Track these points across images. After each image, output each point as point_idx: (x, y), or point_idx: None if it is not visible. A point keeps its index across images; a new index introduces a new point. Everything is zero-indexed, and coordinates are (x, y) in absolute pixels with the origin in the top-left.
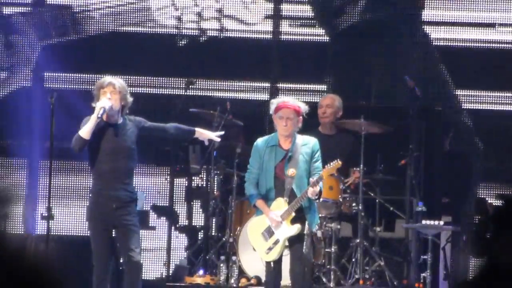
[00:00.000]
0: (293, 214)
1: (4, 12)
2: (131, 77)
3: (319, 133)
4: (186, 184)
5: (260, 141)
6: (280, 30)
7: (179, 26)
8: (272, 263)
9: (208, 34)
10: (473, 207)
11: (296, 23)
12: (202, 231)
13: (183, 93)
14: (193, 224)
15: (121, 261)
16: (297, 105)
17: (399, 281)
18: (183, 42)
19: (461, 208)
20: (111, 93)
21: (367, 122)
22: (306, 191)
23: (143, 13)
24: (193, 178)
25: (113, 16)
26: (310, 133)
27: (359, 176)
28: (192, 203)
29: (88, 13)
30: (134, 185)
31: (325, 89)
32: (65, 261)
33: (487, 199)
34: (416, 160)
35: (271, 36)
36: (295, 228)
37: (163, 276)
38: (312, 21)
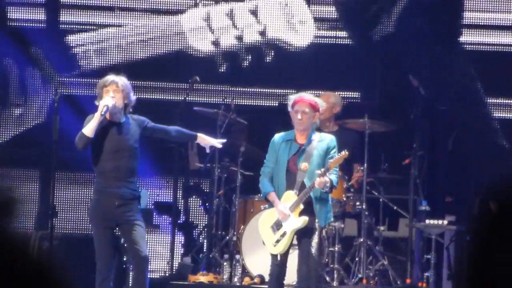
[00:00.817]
0: (302, 206)
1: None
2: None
3: (320, 131)
4: (183, 181)
5: (277, 136)
6: (314, 33)
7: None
8: (278, 256)
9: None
10: (476, 207)
11: (326, 26)
12: (205, 229)
13: (188, 92)
14: (190, 221)
15: (124, 259)
16: (313, 100)
17: (403, 280)
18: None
19: (464, 208)
20: (114, 91)
21: (371, 121)
22: (313, 183)
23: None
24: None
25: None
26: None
27: (363, 174)
28: (189, 200)
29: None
30: (137, 183)
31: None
32: (68, 259)
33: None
34: (420, 159)
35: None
36: (301, 221)
37: (167, 275)
38: (339, 24)
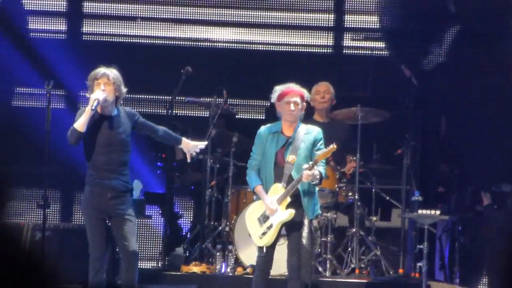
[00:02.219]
0: (289, 199)
1: None
2: None
3: (314, 121)
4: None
5: (263, 128)
6: (342, 43)
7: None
8: (264, 248)
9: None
10: (469, 197)
11: (359, 36)
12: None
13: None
14: (175, 211)
15: (117, 249)
16: (302, 91)
17: (395, 270)
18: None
19: (457, 198)
20: (105, 84)
21: (364, 109)
22: (301, 176)
23: None
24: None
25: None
26: (304, 122)
27: (355, 165)
28: (173, 190)
29: None
30: (129, 176)
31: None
32: (61, 250)
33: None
34: (413, 150)
35: (331, 50)
36: (288, 213)
37: (159, 265)
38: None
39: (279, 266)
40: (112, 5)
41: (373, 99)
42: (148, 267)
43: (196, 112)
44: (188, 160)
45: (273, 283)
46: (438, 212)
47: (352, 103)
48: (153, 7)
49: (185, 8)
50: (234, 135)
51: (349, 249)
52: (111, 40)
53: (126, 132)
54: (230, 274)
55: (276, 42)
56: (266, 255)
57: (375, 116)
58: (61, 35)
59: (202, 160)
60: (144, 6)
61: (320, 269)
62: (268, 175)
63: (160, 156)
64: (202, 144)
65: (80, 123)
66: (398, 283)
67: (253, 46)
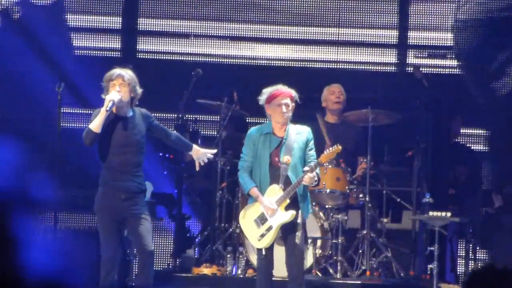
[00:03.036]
0: (288, 201)
1: None
2: None
3: (326, 122)
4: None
5: (253, 129)
6: (407, 61)
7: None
8: (263, 250)
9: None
10: (479, 199)
11: (424, 54)
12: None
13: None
14: (182, 212)
15: (128, 251)
16: (292, 92)
17: (406, 272)
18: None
19: (468, 200)
20: (120, 85)
21: (374, 111)
22: (302, 177)
23: None
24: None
25: None
26: (316, 122)
27: (366, 166)
28: (181, 191)
29: None
30: (143, 177)
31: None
32: (73, 251)
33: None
34: (423, 151)
35: (395, 68)
36: (289, 215)
37: (170, 267)
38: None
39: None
40: (166, 22)
41: (383, 100)
42: (159, 268)
43: (206, 116)
44: (197, 168)
45: (277, 285)
46: (449, 214)
47: (363, 104)
48: (207, 23)
49: (239, 25)
50: (245, 136)
51: (360, 251)
52: (165, 58)
53: (141, 133)
54: (241, 276)
55: (333, 59)
56: (266, 257)
57: (386, 118)
58: (115, 53)
59: (211, 166)
60: (198, 23)
61: (331, 271)
62: (263, 177)
63: (168, 156)
64: (211, 152)
65: (96, 124)
66: (409, 285)
67: (310, 64)
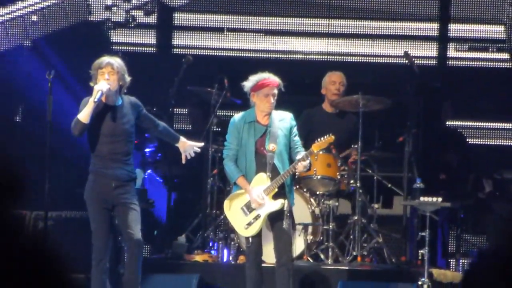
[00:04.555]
0: (276, 189)
1: None
2: None
3: (323, 110)
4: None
5: (236, 117)
6: (447, 54)
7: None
8: (250, 238)
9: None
10: (470, 184)
11: (464, 47)
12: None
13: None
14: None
15: (120, 239)
16: (279, 81)
17: (397, 258)
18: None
19: (459, 185)
20: (109, 73)
21: (365, 96)
22: (293, 166)
23: None
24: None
25: None
26: (313, 110)
27: (357, 153)
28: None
29: None
30: (133, 165)
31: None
32: (64, 239)
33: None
34: (414, 137)
35: (435, 62)
36: (278, 204)
37: (162, 254)
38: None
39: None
40: (200, 16)
41: (374, 86)
42: (151, 256)
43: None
44: (183, 161)
45: (267, 271)
46: (440, 199)
47: (353, 90)
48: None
49: (274, 18)
50: None
51: (351, 236)
52: (200, 53)
53: (130, 123)
54: (232, 263)
55: (370, 53)
56: (253, 245)
57: (377, 103)
58: (150, 49)
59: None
60: (232, 17)
61: (322, 256)
62: (248, 165)
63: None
64: (198, 146)
65: (84, 114)
66: (400, 271)
67: (347, 57)
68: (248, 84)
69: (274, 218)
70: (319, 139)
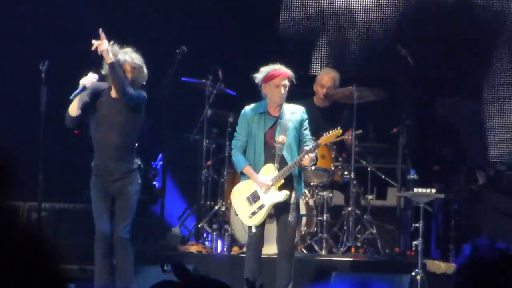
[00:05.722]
0: (282, 181)
1: None
2: None
3: (314, 104)
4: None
5: (248, 108)
6: None
7: None
8: (254, 228)
9: None
10: (463, 176)
11: None
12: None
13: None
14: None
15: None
16: (290, 72)
17: (391, 249)
18: None
19: (452, 177)
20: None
21: (359, 88)
22: (300, 158)
23: None
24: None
25: None
26: (303, 102)
27: (351, 137)
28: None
29: None
30: (132, 157)
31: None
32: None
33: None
34: (408, 128)
35: None
36: (283, 194)
37: (156, 245)
38: None
39: (274, 245)
40: None
41: (368, 78)
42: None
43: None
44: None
45: (266, 261)
46: (433, 190)
47: (348, 82)
48: None
49: None
50: (230, 115)
51: (345, 227)
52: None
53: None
54: (226, 254)
55: None
56: (256, 234)
57: (371, 95)
58: None
59: (196, 145)
60: None
61: (316, 247)
62: (257, 156)
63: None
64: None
65: (72, 108)
66: (394, 262)
67: None
68: (259, 75)
69: (280, 210)
70: (326, 133)
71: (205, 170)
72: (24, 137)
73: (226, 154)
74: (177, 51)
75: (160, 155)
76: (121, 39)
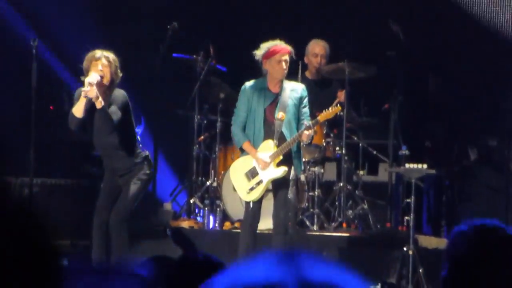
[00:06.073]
0: (281, 157)
1: None
2: None
3: (306, 78)
4: None
5: (248, 84)
6: None
7: None
8: (251, 203)
9: None
10: (455, 151)
11: None
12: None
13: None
14: None
15: None
16: (290, 48)
17: (382, 224)
18: None
19: (444, 153)
20: (102, 65)
21: (351, 64)
22: (299, 134)
23: None
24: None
25: None
26: (295, 77)
27: (343, 96)
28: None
29: None
30: (137, 150)
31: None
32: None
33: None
34: (400, 104)
35: None
36: (281, 171)
37: (149, 221)
38: None
39: (268, 221)
40: None
41: (359, 54)
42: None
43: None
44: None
45: (260, 237)
46: (425, 166)
47: (339, 58)
48: None
49: None
50: (222, 91)
51: (336, 203)
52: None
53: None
54: (218, 229)
55: None
56: (253, 210)
57: (362, 71)
58: None
59: (187, 121)
60: None
61: (307, 223)
62: (257, 132)
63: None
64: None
65: (77, 109)
66: (385, 237)
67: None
68: (259, 52)
69: (279, 186)
70: (325, 110)
71: (197, 146)
72: (16, 113)
73: (217, 131)
74: (169, 27)
75: (142, 118)
76: (113, 16)
